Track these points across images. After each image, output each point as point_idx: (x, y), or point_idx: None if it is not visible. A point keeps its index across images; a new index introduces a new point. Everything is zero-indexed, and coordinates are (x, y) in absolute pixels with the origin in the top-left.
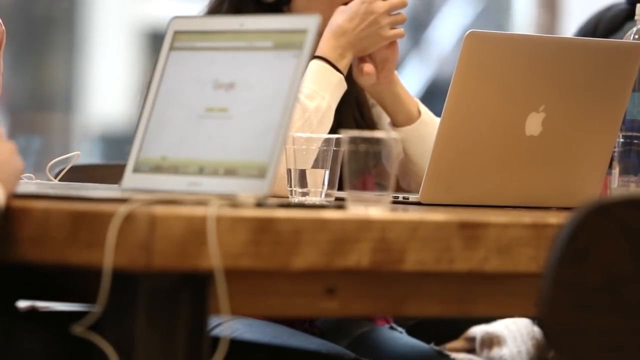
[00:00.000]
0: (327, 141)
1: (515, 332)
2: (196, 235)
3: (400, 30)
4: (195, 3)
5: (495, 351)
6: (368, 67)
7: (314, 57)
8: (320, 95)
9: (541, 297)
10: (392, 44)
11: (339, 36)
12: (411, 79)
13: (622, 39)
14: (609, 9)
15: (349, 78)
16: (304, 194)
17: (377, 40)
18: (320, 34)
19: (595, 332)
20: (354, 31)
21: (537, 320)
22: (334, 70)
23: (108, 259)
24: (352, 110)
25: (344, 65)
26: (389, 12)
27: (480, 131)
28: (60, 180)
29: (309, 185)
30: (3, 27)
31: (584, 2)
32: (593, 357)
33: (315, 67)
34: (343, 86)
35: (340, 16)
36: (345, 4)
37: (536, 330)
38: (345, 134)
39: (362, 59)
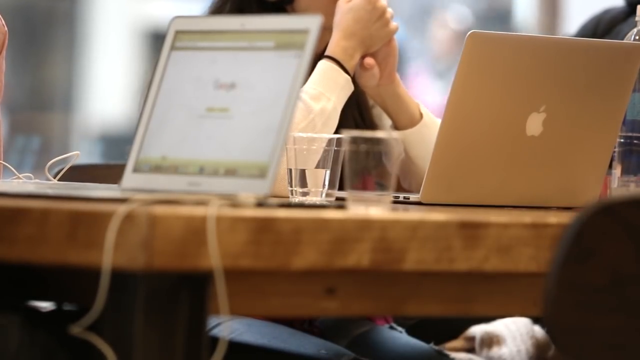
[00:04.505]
0: (328, 141)
1: (514, 331)
2: (196, 235)
3: (397, 24)
4: (196, 3)
5: (495, 350)
6: (369, 59)
7: (324, 56)
8: (326, 97)
9: (545, 297)
10: (390, 40)
11: (350, 37)
12: None
13: (621, 36)
14: (607, 11)
15: (352, 80)
16: (305, 194)
17: (385, 34)
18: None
19: (599, 332)
20: (363, 30)
21: (541, 319)
22: (342, 71)
23: (107, 259)
24: (352, 112)
25: (352, 65)
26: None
27: (481, 131)
28: (59, 180)
29: (309, 185)
30: (6, 28)
31: (584, 3)
32: (597, 356)
33: (323, 67)
34: (350, 87)
35: (347, 16)
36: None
37: (536, 329)
38: (346, 134)
39: (362, 56)
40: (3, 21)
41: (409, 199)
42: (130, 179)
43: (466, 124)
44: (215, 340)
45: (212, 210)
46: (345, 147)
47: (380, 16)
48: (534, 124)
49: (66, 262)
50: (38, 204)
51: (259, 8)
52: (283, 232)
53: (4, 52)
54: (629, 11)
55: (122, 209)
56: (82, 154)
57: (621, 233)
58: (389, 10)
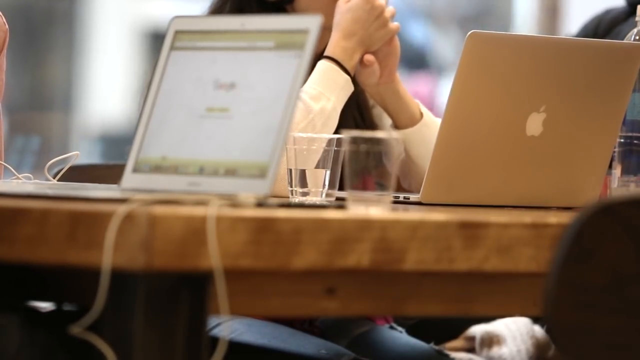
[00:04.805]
0: (328, 141)
1: (515, 331)
2: (196, 235)
3: (398, 23)
4: (196, 3)
5: (495, 350)
6: (368, 56)
7: (323, 57)
8: (325, 97)
9: (546, 297)
10: (392, 39)
11: (349, 37)
12: None
13: (621, 36)
14: (608, 11)
15: (352, 79)
16: (305, 194)
17: (384, 34)
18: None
19: (599, 332)
20: (362, 29)
21: (541, 319)
22: (341, 72)
23: (107, 259)
24: (353, 111)
25: (351, 65)
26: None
27: (481, 131)
28: (59, 180)
29: (309, 185)
30: (7, 26)
31: (584, 3)
32: (597, 357)
33: (323, 67)
34: (349, 88)
35: (346, 16)
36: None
37: (536, 329)
38: (346, 134)
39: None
40: (4, 19)
41: (409, 199)
42: (130, 179)
43: (466, 124)
44: (215, 340)
45: (212, 210)
46: (345, 147)
47: (378, 16)
48: (534, 124)
49: (66, 262)
50: (38, 204)
51: (259, 8)
52: (283, 232)
53: (4, 51)
54: (630, 11)
55: (122, 209)
56: (81, 154)
57: (621, 233)
58: (390, 9)
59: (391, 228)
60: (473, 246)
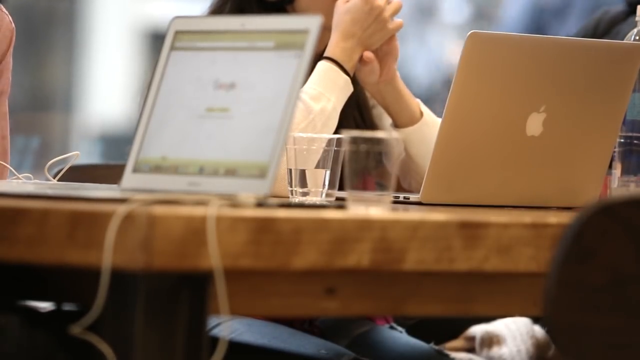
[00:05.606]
0: (328, 141)
1: (515, 331)
2: (196, 235)
3: (400, 21)
4: (196, 3)
5: (495, 350)
6: (368, 53)
7: (323, 57)
8: (326, 97)
9: (546, 296)
10: (391, 38)
11: (349, 38)
12: None
13: (620, 36)
14: (606, 11)
15: (351, 79)
16: (305, 194)
17: (384, 34)
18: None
19: (599, 331)
20: (361, 30)
21: (541, 319)
22: (341, 72)
23: (107, 259)
24: (353, 111)
25: (351, 66)
26: (387, 3)
27: (481, 131)
28: (59, 180)
29: (309, 185)
30: (13, 25)
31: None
32: (597, 356)
33: (323, 68)
34: (349, 88)
35: (345, 17)
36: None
37: (536, 329)
38: (346, 134)
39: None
40: (10, 18)
41: (409, 199)
42: (130, 179)
43: (466, 124)
44: (215, 340)
45: (212, 210)
46: (345, 147)
47: (377, 16)
48: (534, 124)
49: (66, 262)
50: (38, 204)
51: (259, 8)
52: (283, 232)
53: (11, 49)
54: (629, 11)
55: (122, 209)
56: (82, 154)
57: (621, 233)
58: (394, 4)
59: (391, 228)
60: (473, 246)
